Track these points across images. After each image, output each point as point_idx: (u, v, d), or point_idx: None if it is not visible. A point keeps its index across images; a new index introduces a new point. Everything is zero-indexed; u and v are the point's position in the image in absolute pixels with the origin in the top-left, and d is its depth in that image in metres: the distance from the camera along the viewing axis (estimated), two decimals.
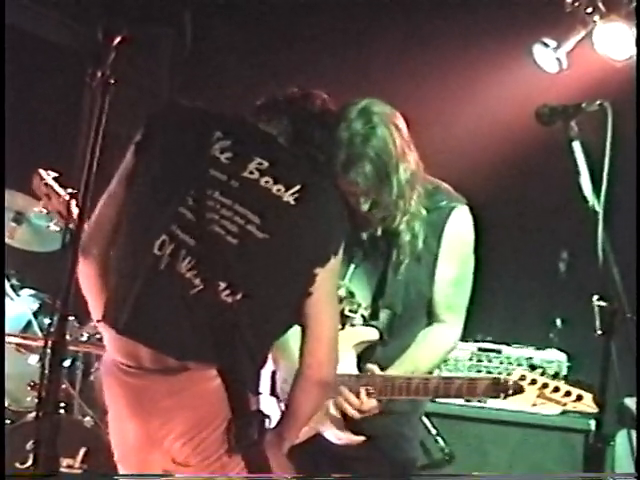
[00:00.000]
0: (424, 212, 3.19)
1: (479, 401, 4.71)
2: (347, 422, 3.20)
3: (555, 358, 4.81)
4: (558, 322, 5.22)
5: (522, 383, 3.04)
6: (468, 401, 4.76)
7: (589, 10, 5.04)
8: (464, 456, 4.74)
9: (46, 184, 3.83)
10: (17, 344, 5.03)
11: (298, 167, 2.82)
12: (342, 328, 3.13)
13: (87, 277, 2.87)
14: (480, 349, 4.89)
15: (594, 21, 5.05)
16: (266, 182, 2.73)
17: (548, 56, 5.17)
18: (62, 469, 4.62)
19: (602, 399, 2.99)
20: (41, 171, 3.84)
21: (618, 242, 3.09)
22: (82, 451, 4.73)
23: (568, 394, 3.00)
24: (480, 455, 4.76)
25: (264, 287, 2.71)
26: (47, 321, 5.22)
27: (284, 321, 2.82)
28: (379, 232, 3.20)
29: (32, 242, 5.39)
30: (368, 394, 3.15)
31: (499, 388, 3.06)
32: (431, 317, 3.31)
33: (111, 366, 2.81)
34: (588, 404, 2.98)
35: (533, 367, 3.09)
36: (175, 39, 6.70)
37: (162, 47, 6.79)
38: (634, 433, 3.47)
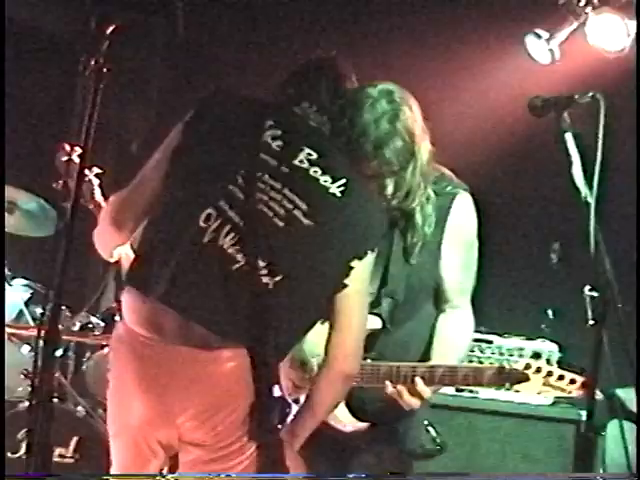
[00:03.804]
0: (433, 196, 3.21)
1: (470, 391, 4.73)
2: (351, 409, 3.22)
3: (547, 348, 4.82)
4: (550, 313, 5.23)
5: (527, 372, 3.07)
6: (459, 390, 4.77)
7: (582, 2, 5.06)
8: (456, 446, 4.75)
9: (70, 160, 3.79)
10: (9, 334, 5.03)
11: (343, 162, 2.86)
12: None
13: (116, 241, 2.92)
14: (472, 339, 4.89)
15: (586, 13, 5.07)
16: (315, 172, 2.77)
17: (541, 47, 5.18)
18: (54, 458, 4.62)
19: (593, 389, 3.01)
20: (66, 146, 3.81)
21: (610, 233, 3.10)
22: (74, 440, 4.74)
23: (573, 382, 3.04)
24: (472, 445, 4.77)
25: (303, 273, 2.73)
26: (39, 310, 5.22)
27: (315, 311, 2.83)
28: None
29: (25, 228, 5.39)
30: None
31: (505, 377, 3.10)
32: (441, 303, 3.33)
33: (126, 338, 2.79)
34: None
35: (538, 355, 3.10)
36: (167, 27, 6.68)
37: (154, 35, 6.78)
38: (626, 424, 3.49)
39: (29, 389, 4.70)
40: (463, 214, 3.27)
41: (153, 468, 2.83)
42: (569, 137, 3.11)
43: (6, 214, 5.23)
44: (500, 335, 4.91)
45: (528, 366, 3.08)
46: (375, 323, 3.22)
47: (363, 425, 3.24)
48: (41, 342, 2.52)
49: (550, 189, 5.21)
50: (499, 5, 5.67)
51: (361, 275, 2.81)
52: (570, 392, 3.05)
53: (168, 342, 2.71)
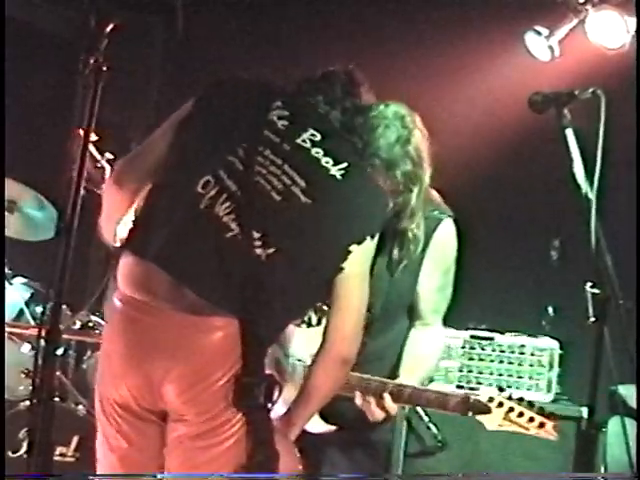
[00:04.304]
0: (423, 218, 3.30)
1: (470, 388, 4.74)
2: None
3: (547, 345, 4.82)
4: (550, 309, 5.22)
5: (490, 405, 3.16)
6: (460, 387, 4.77)
7: None
8: (456, 443, 4.75)
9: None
10: (10, 333, 5.02)
11: (347, 148, 2.90)
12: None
13: (118, 206, 2.92)
14: (472, 337, 4.88)
15: (586, 9, 5.07)
16: (317, 152, 2.81)
17: (540, 44, 5.19)
18: (55, 457, 4.62)
19: (594, 386, 3.01)
20: (81, 132, 3.81)
21: (611, 229, 3.10)
22: (75, 439, 4.74)
23: (531, 420, 3.13)
24: (472, 442, 4.76)
25: (298, 249, 2.75)
26: (39, 309, 5.22)
27: (311, 293, 2.85)
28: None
29: (24, 232, 5.38)
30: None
31: (468, 407, 3.20)
32: (414, 319, 3.44)
33: (119, 303, 2.80)
34: (550, 432, 3.12)
35: (501, 389, 3.22)
36: (166, 26, 6.69)
37: (154, 34, 6.78)
38: (628, 421, 3.49)
39: (30, 388, 4.70)
40: (445, 240, 3.37)
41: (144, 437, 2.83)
42: (570, 133, 3.11)
43: (6, 213, 5.23)
44: (501, 332, 4.91)
45: (491, 399, 3.16)
46: None
47: (331, 427, 3.27)
48: (42, 341, 2.52)
49: (551, 185, 5.20)
50: (499, 2, 5.66)
51: (360, 259, 2.82)
52: (528, 429, 3.13)
53: (159, 305, 2.72)
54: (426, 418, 4.69)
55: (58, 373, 4.90)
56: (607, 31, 5.04)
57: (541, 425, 3.10)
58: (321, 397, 2.91)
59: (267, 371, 3.08)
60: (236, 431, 2.70)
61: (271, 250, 2.70)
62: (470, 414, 3.19)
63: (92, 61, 2.56)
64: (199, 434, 2.71)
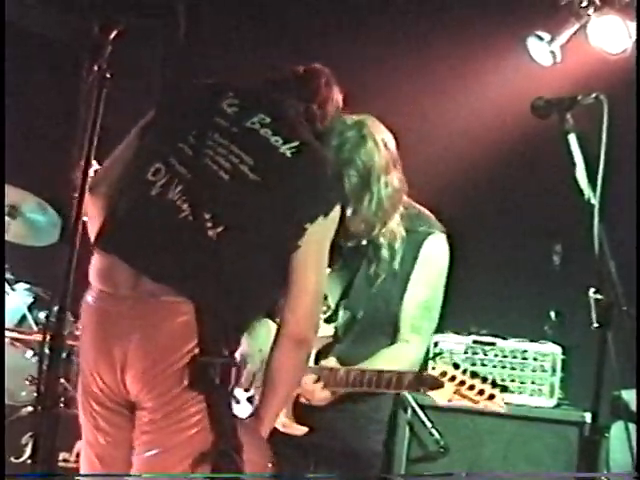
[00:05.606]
0: (404, 233, 3.30)
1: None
2: (295, 412, 3.27)
3: (550, 350, 4.82)
4: (553, 315, 5.22)
5: (442, 379, 3.16)
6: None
7: (583, 3, 5.05)
8: (459, 448, 4.75)
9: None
10: (12, 338, 5.03)
11: (300, 129, 2.93)
12: None
13: (92, 215, 2.94)
14: (475, 342, 4.89)
15: (588, 14, 5.06)
16: (265, 132, 2.85)
17: (542, 49, 5.18)
18: (59, 463, 4.62)
19: (597, 391, 3.01)
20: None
21: (614, 234, 3.10)
22: (78, 445, 4.73)
23: (481, 392, 3.13)
24: (475, 447, 4.76)
25: (248, 225, 2.77)
26: (42, 315, 5.22)
27: (270, 272, 2.83)
28: (363, 242, 3.30)
29: (27, 236, 5.38)
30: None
31: (422, 382, 3.19)
32: (395, 336, 3.40)
33: (91, 299, 2.84)
34: (499, 404, 3.13)
35: (456, 366, 3.19)
36: (168, 31, 6.69)
37: (155, 39, 6.78)
38: (631, 425, 3.49)
39: (34, 394, 4.71)
40: (434, 253, 3.35)
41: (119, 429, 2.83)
42: (572, 138, 3.12)
43: (9, 219, 5.22)
44: (503, 337, 4.91)
45: (444, 373, 3.16)
46: (328, 331, 3.32)
47: (301, 429, 3.27)
48: (46, 347, 2.52)
49: (553, 190, 5.20)
50: (500, 7, 5.67)
51: (315, 237, 2.81)
52: (477, 402, 3.13)
53: (122, 294, 2.75)
54: (429, 424, 4.69)
55: (62, 380, 4.90)
56: (609, 36, 5.03)
57: (491, 397, 3.11)
58: (284, 383, 2.89)
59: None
60: (197, 422, 2.69)
61: (220, 229, 2.74)
62: (422, 390, 3.18)
63: (95, 68, 2.57)
64: (158, 419, 2.72)
